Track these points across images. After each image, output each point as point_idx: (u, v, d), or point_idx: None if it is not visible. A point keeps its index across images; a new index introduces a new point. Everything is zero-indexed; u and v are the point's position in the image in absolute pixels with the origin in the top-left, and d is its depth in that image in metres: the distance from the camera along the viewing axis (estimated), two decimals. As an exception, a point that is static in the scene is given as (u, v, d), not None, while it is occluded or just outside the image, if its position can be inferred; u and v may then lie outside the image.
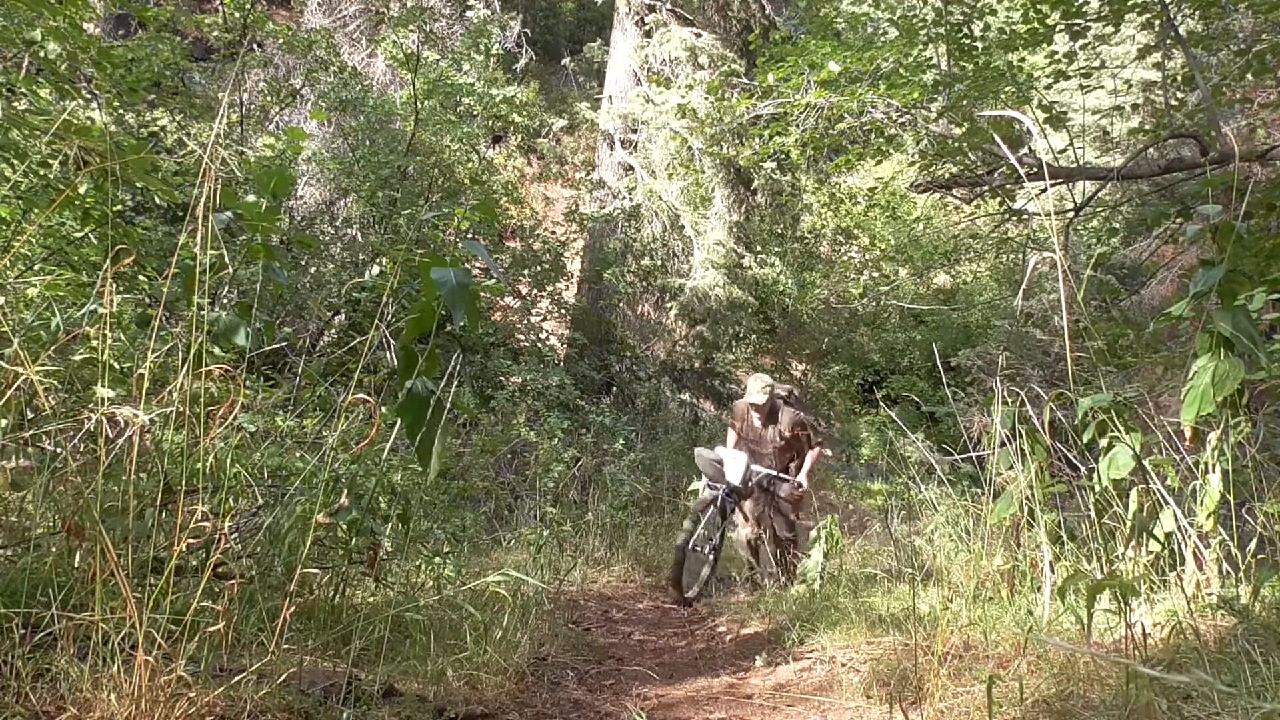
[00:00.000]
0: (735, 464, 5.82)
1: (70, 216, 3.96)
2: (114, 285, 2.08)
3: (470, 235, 8.18)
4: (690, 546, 5.54)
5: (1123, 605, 2.41)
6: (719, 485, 5.82)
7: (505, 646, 3.04)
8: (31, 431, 2.42)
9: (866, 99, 6.54)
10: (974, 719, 2.36)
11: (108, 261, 2.31)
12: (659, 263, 11.74)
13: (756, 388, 6.13)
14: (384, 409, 2.69)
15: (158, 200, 5.55)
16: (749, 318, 11.59)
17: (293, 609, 2.10)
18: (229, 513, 2.28)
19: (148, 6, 6.56)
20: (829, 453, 8.89)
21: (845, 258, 16.34)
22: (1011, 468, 3.29)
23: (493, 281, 8.13)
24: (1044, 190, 6.47)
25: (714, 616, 4.89)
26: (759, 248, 12.16)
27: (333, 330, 7.22)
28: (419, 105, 8.68)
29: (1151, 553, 2.86)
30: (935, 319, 15.09)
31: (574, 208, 11.82)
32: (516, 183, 12.00)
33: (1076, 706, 2.22)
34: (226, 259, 2.35)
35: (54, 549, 2.15)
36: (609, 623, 4.68)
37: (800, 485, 6.03)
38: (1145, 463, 2.89)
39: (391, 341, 2.64)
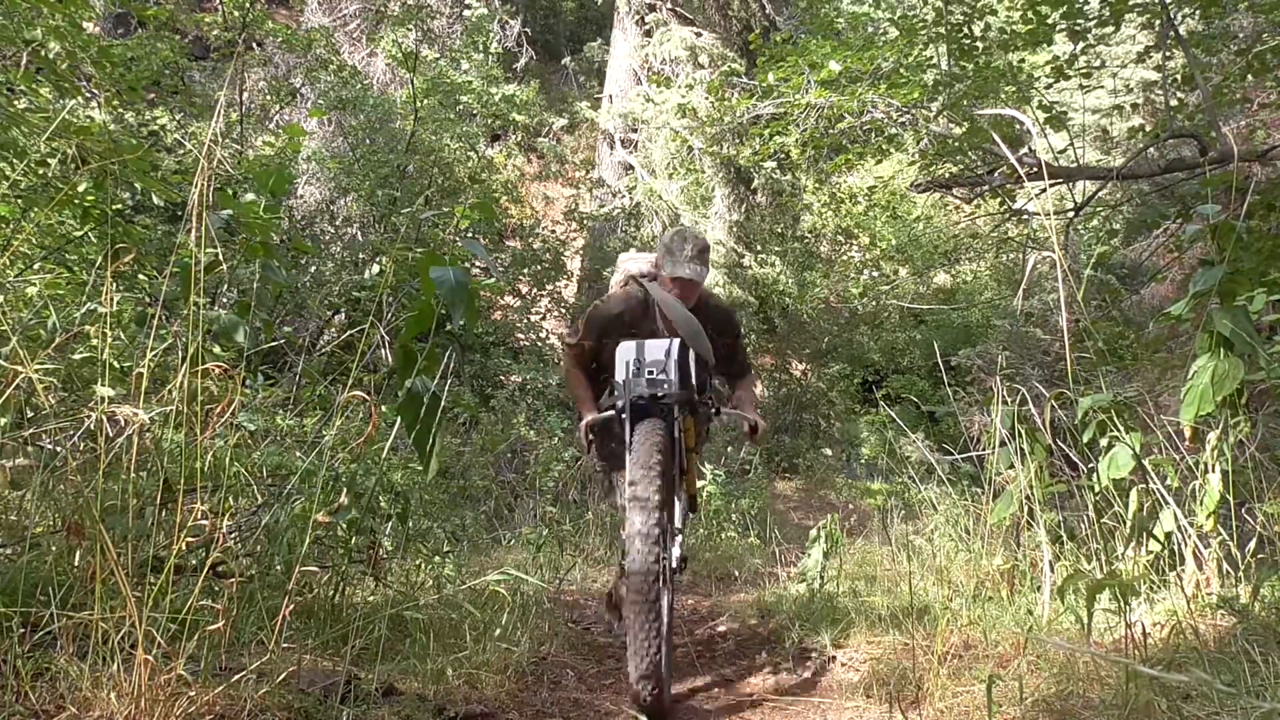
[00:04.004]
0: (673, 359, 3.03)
1: (69, 215, 3.96)
2: (113, 284, 2.08)
3: (470, 234, 8.18)
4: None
5: (1123, 605, 2.41)
6: (659, 391, 2.94)
7: (505, 645, 3.04)
8: (31, 430, 2.42)
9: (867, 99, 6.55)
10: (974, 718, 2.36)
11: (107, 260, 2.31)
12: (659, 262, 11.73)
13: (688, 252, 3.12)
14: (383, 408, 2.69)
15: (157, 199, 5.55)
16: (749, 317, 11.59)
17: (292, 608, 2.10)
18: (228, 512, 2.28)
19: (147, 5, 6.56)
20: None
21: (845, 257, 16.35)
22: (1011, 467, 3.29)
23: (492, 280, 8.14)
24: (1044, 190, 6.47)
25: (714, 616, 4.88)
26: (759, 247, 12.15)
27: (332, 329, 7.22)
28: (418, 104, 8.67)
29: (1151, 553, 2.87)
30: (935, 318, 15.09)
31: (574, 207, 11.82)
32: (516, 182, 12.01)
33: (1076, 706, 2.22)
34: (222, 258, 2.35)
35: (54, 548, 2.15)
36: (609, 622, 4.67)
37: (757, 424, 3.30)
38: (1145, 463, 2.89)
39: (390, 340, 2.64)
